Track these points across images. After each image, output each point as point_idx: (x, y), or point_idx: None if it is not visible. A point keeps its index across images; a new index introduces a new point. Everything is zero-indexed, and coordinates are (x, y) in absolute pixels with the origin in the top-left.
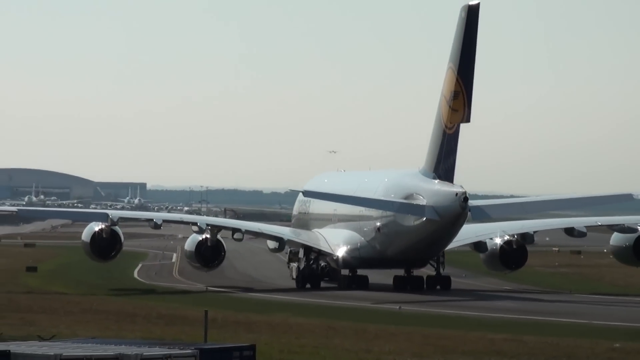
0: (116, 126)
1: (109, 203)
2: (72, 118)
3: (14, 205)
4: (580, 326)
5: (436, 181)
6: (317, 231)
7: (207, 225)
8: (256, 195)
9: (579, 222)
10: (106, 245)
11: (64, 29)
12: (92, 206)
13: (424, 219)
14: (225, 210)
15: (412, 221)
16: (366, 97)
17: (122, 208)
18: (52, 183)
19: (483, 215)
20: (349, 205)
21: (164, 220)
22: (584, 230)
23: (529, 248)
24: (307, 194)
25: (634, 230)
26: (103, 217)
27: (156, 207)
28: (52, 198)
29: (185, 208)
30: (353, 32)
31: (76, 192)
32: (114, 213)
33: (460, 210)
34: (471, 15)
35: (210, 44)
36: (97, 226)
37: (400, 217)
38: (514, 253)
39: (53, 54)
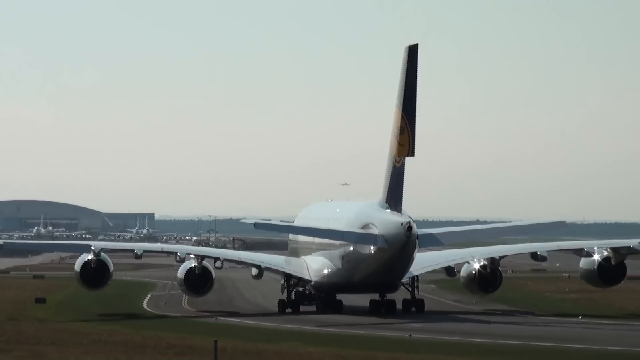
0: (124, 157)
1: (117, 234)
2: (80, 149)
3: (22, 238)
4: (592, 352)
5: (388, 211)
6: (303, 258)
7: (188, 254)
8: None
9: (541, 247)
10: (94, 274)
11: (74, 60)
12: (100, 237)
13: (377, 247)
14: (233, 239)
15: (367, 249)
16: (376, 129)
17: (131, 239)
18: (60, 214)
19: (435, 242)
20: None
21: (145, 251)
22: (545, 254)
23: (541, 274)
24: (258, 225)
25: (591, 255)
26: (86, 249)
27: (165, 237)
28: (61, 229)
29: (194, 238)
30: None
31: (84, 223)
32: (96, 244)
33: (405, 239)
34: (411, 56)
35: (218, 77)
36: (86, 257)
37: (359, 245)
38: (491, 276)
39: (62, 87)
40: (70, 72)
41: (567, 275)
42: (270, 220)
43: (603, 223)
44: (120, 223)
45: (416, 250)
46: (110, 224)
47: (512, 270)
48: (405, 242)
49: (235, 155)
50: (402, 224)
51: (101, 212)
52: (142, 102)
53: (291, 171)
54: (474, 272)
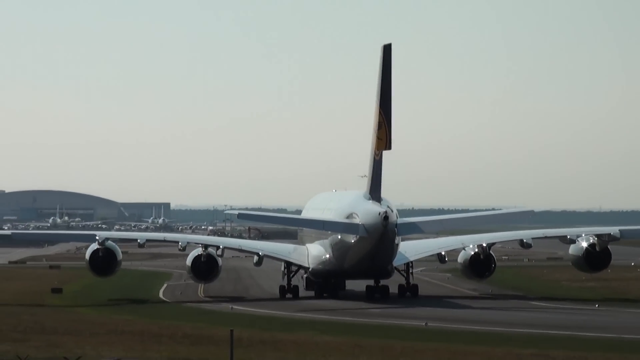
0: (139, 147)
1: (133, 223)
2: (96, 139)
3: (38, 228)
4: (609, 340)
5: (370, 202)
6: (307, 246)
7: (189, 243)
8: (281, 213)
9: (527, 234)
10: (102, 263)
11: (91, 51)
12: (116, 227)
13: (359, 236)
14: (249, 229)
15: (351, 238)
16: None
17: (147, 228)
18: (76, 204)
19: (416, 230)
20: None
21: (148, 240)
22: (531, 242)
23: (557, 262)
24: (241, 216)
25: (574, 242)
26: (92, 239)
27: (180, 227)
28: (77, 219)
29: (210, 227)
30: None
31: (100, 213)
32: (101, 234)
33: (383, 228)
34: (386, 54)
35: (232, 65)
36: (95, 246)
37: (344, 234)
38: (485, 262)
39: (78, 77)
40: (85, 64)
41: None
42: (286, 210)
43: (619, 211)
44: (136, 213)
45: (397, 238)
46: (126, 213)
47: (528, 259)
48: (383, 231)
49: (251, 145)
50: (379, 213)
51: (117, 202)
52: (158, 93)
53: (308, 161)
54: (469, 258)
